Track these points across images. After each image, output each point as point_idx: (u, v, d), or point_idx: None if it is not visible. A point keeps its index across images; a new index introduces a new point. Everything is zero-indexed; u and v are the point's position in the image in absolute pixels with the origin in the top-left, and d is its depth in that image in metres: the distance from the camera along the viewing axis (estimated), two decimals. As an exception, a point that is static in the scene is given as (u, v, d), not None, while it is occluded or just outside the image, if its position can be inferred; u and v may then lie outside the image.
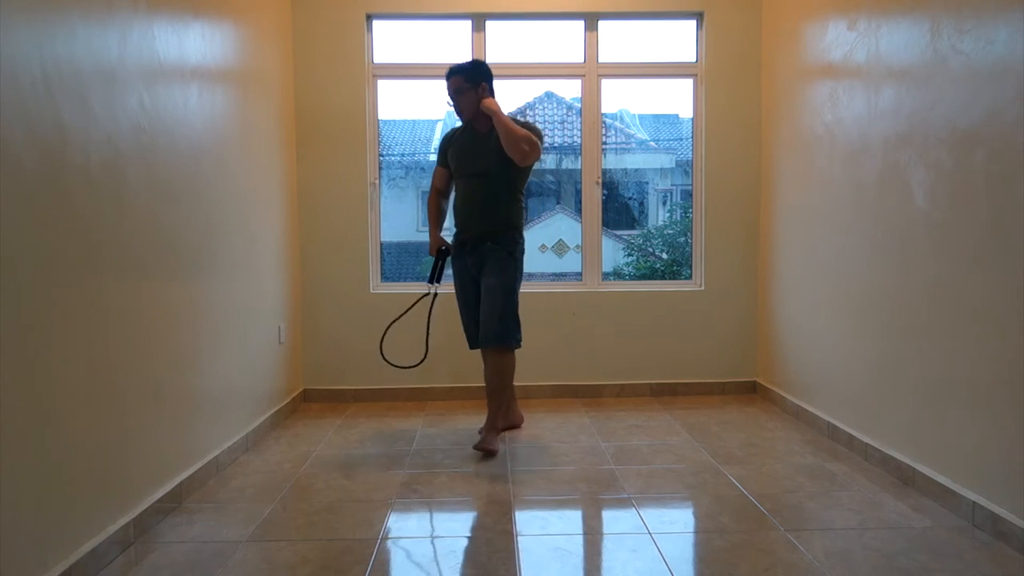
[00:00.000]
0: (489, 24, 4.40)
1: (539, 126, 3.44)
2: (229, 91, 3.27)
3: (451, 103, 3.38)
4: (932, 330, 2.70)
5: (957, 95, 2.54)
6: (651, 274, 5.66)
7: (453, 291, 3.57)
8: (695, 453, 3.29)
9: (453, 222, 3.52)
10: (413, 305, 3.83)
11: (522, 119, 3.39)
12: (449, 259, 3.55)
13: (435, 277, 3.54)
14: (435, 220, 3.54)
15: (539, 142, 3.29)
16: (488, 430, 3.33)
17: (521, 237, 3.43)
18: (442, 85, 3.44)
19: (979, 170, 2.44)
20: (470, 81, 3.32)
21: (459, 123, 3.49)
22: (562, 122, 6.68)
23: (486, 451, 3.24)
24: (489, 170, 3.32)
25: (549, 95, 6.92)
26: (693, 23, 4.47)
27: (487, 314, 3.28)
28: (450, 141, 3.48)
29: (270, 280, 3.83)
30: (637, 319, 4.44)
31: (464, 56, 4.38)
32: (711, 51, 4.36)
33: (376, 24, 4.43)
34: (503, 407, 3.39)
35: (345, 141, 4.31)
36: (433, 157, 3.49)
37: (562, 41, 4.54)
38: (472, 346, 3.53)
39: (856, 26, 3.22)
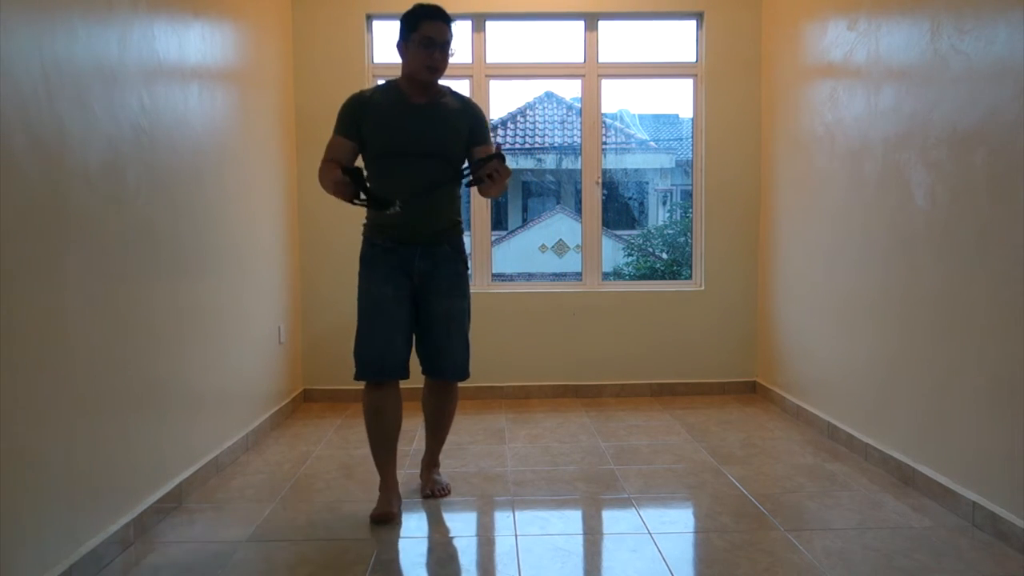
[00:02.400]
0: (489, 24, 4.40)
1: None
2: (229, 91, 3.27)
3: (432, 55, 2.48)
4: (932, 330, 2.70)
5: (957, 95, 2.54)
6: (651, 274, 5.67)
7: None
8: (695, 453, 3.29)
9: (380, 215, 2.51)
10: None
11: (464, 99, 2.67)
12: (369, 257, 2.62)
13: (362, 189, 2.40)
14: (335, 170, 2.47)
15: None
16: (433, 465, 2.87)
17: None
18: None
19: (979, 170, 2.44)
20: (452, 42, 2.58)
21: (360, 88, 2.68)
22: (562, 122, 6.68)
23: (439, 494, 2.79)
24: (445, 152, 2.55)
25: (549, 95, 6.93)
26: (693, 23, 4.47)
27: (457, 346, 2.66)
28: (365, 107, 2.58)
29: (270, 280, 3.83)
30: (637, 319, 4.44)
31: (465, 57, 4.38)
32: (711, 51, 4.36)
33: (376, 24, 4.43)
34: (445, 440, 2.90)
35: (345, 141, 4.30)
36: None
37: (562, 41, 4.54)
38: (388, 374, 2.57)
39: (856, 26, 3.22)
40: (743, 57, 4.36)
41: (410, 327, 2.62)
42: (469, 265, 2.75)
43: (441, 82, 2.64)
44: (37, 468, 1.91)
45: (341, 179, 2.38)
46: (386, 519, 2.54)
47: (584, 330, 4.43)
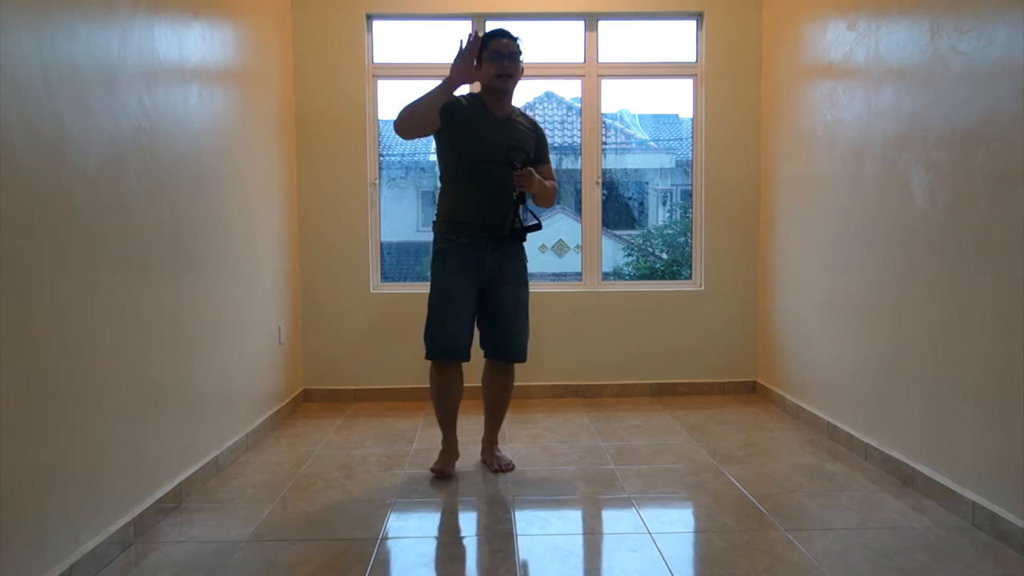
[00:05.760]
0: (489, 24, 4.40)
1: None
2: (229, 91, 3.27)
3: (502, 63, 2.87)
4: (932, 330, 2.70)
5: (957, 95, 2.54)
6: (651, 274, 5.66)
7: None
8: (695, 453, 3.29)
9: (456, 212, 2.93)
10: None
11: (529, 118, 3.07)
12: (444, 251, 2.94)
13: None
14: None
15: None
16: (495, 444, 3.16)
17: None
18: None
19: (979, 170, 2.44)
20: (520, 55, 2.94)
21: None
22: (562, 122, 6.67)
23: (509, 468, 3.07)
24: (522, 162, 2.89)
25: (549, 95, 6.92)
26: (693, 23, 4.47)
27: (522, 331, 3.01)
28: (458, 106, 2.91)
29: (270, 280, 3.83)
30: (637, 319, 4.44)
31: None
32: (711, 51, 4.36)
33: (376, 24, 4.43)
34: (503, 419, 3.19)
35: (345, 141, 4.31)
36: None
37: (562, 41, 4.54)
38: (457, 356, 2.95)
39: (856, 26, 3.22)
40: (743, 57, 4.36)
41: (474, 316, 2.98)
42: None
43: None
44: (37, 468, 1.91)
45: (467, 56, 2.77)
46: (443, 474, 3.00)
47: (584, 330, 4.43)
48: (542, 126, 3.14)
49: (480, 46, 2.88)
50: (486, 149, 2.89)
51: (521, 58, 2.95)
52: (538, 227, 2.98)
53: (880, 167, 3.03)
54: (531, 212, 2.99)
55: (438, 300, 2.94)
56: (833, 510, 2.61)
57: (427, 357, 2.97)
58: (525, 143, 2.96)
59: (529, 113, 3.29)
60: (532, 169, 2.88)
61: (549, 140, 3.18)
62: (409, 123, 2.82)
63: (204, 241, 2.97)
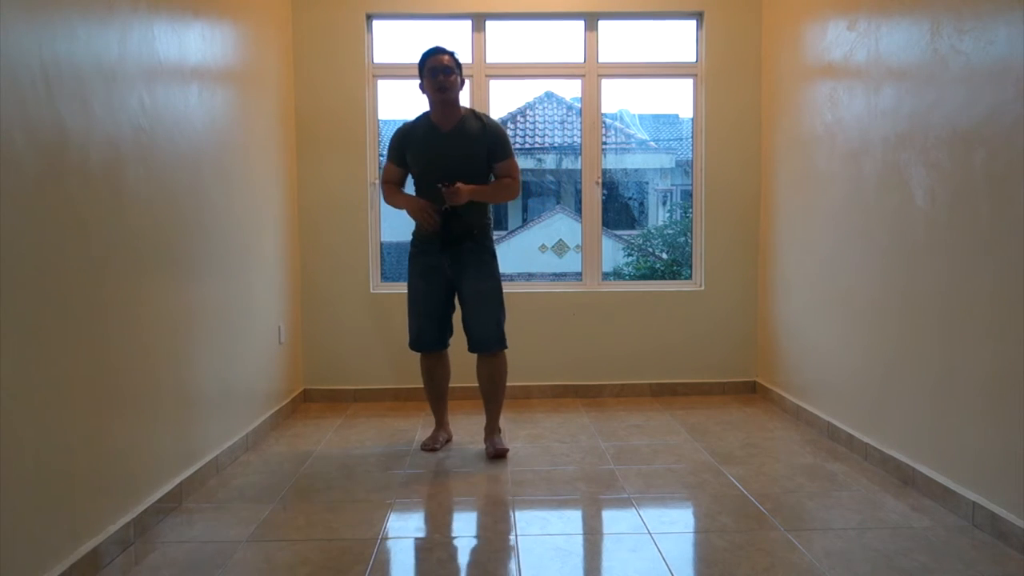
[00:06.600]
0: (489, 24, 4.40)
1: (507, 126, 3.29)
2: (229, 91, 3.27)
3: (436, 80, 3.13)
4: (932, 330, 2.70)
5: (957, 95, 2.55)
6: (651, 274, 5.67)
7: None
8: (695, 453, 3.29)
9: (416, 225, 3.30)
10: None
11: (488, 118, 3.29)
12: (412, 255, 3.32)
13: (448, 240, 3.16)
14: (401, 193, 3.31)
15: (516, 165, 3.28)
16: (494, 432, 3.34)
17: (492, 233, 3.37)
18: None
19: (979, 170, 2.44)
20: (457, 67, 3.20)
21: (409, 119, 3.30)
22: (562, 122, 6.67)
23: (501, 453, 3.22)
24: (467, 170, 3.16)
25: (549, 95, 6.92)
26: (693, 23, 4.47)
27: (485, 321, 3.23)
28: (407, 139, 3.25)
29: (270, 280, 3.83)
30: (637, 319, 4.44)
31: (465, 57, 4.38)
32: (711, 51, 4.36)
33: (376, 24, 4.43)
34: (501, 407, 3.39)
35: (345, 141, 4.31)
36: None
37: (562, 41, 4.54)
38: (425, 348, 3.36)
39: (856, 26, 3.22)
40: (743, 57, 4.36)
41: (441, 310, 3.31)
42: (495, 256, 3.31)
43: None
44: (37, 468, 1.91)
45: (431, 213, 3.14)
46: (430, 448, 3.36)
47: (584, 330, 4.43)
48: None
49: (419, 67, 3.20)
50: (433, 165, 3.18)
51: (458, 70, 3.20)
52: (469, 236, 3.19)
53: (880, 167, 3.03)
54: (464, 221, 3.16)
55: (408, 301, 3.37)
56: (833, 510, 2.61)
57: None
58: (470, 151, 3.17)
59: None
60: (459, 185, 3.06)
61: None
62: (392, 205, 3.34)
63: (204, 241, 2.97)
